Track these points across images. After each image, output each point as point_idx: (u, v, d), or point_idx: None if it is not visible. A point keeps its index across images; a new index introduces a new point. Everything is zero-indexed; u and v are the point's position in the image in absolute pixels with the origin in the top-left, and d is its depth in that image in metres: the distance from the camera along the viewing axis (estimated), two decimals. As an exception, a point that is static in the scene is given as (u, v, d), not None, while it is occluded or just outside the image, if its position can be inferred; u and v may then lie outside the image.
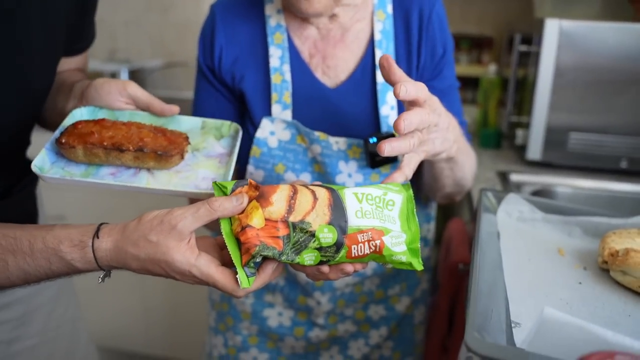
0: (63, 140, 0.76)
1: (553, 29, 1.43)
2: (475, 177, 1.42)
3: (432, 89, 0.95)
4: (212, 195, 0.69)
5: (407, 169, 0.74)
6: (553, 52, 1.44)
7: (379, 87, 0.93)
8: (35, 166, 0.74)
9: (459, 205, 1.75)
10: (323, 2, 0.85)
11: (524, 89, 1.62)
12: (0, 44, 0.78)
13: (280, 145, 0.93)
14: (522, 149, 1.58)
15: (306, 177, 0.94)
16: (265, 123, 0.93)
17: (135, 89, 0.84)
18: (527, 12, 2.15)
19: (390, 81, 0.72)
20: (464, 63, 2.32)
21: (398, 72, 0.71)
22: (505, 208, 0.91)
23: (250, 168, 0.95)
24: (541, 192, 1.38)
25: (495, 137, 1.77)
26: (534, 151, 1.52)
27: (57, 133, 0.79)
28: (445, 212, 1.84)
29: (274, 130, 0.93)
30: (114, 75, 2.45)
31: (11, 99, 0.84)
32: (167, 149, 0.77)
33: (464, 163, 0.91)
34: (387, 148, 0.69)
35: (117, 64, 2.48)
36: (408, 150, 0.71)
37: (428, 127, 0.73)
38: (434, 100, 0.75)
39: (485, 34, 2.34)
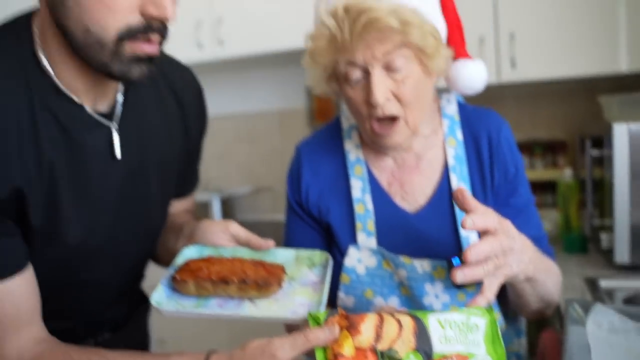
0: (177, 277, 0.87)
1: (622, 133, 1.46)
2: (562, 285, 1.41)
3: (509, 207, 1.01)
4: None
5: (489, 293, 0.78)
6: (626, 155, 1.46)
7: (457, 209, 0.99)
8: (155, 301, 0.85)
9: (551, 314, 1.71)
10: (402, 135, 0.96)
11: (603, 190, 1.63)
12: (125, 195, 0.94)
13: (368, 271, 1.00)
14: (609, 252, 1.56)
15: (394, 301, 0.99)
16: (352, 251, 1.01)
17: (236, 229, 0.96)
18: (597, 114, 2.17)
19: (465, 211, 0.79)
20: (540, 168, 2.34)
21: (472, 203, 0.78)
22: (594, 319, 0.90)
23: (340, 294, 1.02)
24: (635, 298, 1.34)
25: (580, 241, 1.75)
26: (622, 254, 1.50)
27: (171, 270, 0.91)
28: (538, 322, 1.80)
29: (361, 257, 1.00)
30: (206, 204, 2.67)
31: (132, 240, 0.99)
32: (267, 280, 0.86)
33: (545, 281, 0.93)
34: (460, 276, 0.75)
35: (210, 193, 2.70)
36: (482, 277, 0.76)
37: (504, 253, 0.78)
38: (507, 225, 0.80)
39: (557, 137, 2.37)
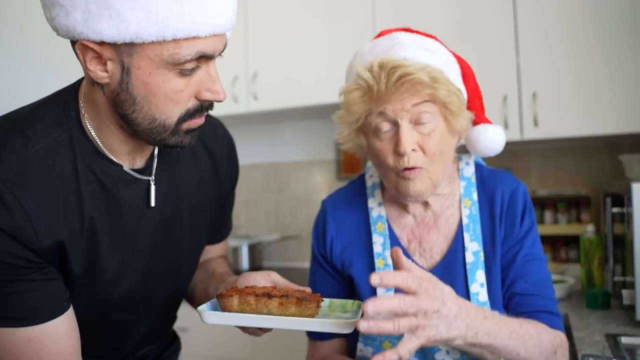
0: (223, 292, 0.92)
1: (641, 193, 1.50)
2: (582, 341, 1.43)
3: (514, 264, 1.05)
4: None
5: (402, 349, 0.76)
6: (645, 214, 1.49)
7: (468, 267, 1.05)
8: (199, 309, 0.90)
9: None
10: (423, 184, 1.02)
11: (625, 246, 1.64)
12: (158, 240, 1.02)
13: (386, 323, 1.05)
14: (630, 309, 1.56)
15: (410, 352, 1.03)
16: (376, 304, 1.06)
17: (276, 277, 1.02)
18: (620, 171, 2.20)
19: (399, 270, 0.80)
20: (563, 222, 2.35)
21: (406, 264, 0.80)
22: (608, 376, 0.93)
23: (359, 345, 1.07)
24: (654, 357, 1.35)
25: (603, 297, 1.75)
26: (643, 312, 1.51)
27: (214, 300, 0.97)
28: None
29: (380, 310, 1.06)
30: (235, 250, 2.75)
31: (164, 282, 1.07)
32: (307, 297, 0.91)
33: (509, 346, 0.89)
34: (363, 325, 0.75)
35: (239, 240, 2.78)
36: (391, 332, 0.76)
37: (425, 314, 0.78)
38: (437, 289, 0.80)
39: (581, 193, 2.39)
